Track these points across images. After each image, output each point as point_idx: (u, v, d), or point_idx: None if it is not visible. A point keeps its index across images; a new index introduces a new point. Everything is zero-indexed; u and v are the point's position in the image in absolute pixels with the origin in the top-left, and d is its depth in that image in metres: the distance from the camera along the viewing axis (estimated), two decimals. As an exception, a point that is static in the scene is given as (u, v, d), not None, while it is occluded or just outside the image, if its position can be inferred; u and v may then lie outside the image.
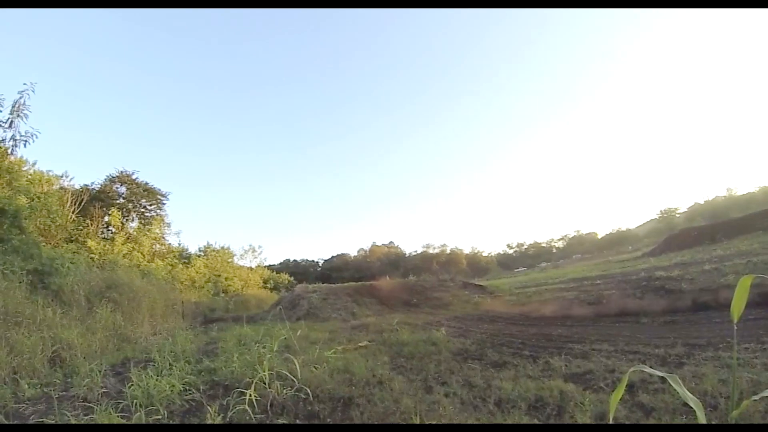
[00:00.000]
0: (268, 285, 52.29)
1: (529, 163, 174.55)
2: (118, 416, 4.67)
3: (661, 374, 2.00)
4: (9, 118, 15.02)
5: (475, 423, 4.41)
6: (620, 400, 4.77)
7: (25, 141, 15.42)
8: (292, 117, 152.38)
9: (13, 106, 14.98)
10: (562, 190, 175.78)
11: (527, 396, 5.27)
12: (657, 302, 12.49)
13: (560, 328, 11.02)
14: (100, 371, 7.07)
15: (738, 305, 2.01)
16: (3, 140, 15.32)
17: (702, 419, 1.69)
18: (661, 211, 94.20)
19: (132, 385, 5.77)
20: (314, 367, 7.11)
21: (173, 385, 5.85)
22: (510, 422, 4.50)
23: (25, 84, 15.01)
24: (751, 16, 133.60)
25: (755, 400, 1.89)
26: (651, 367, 5.98)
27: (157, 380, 5.88)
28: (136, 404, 5.10)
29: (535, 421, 4.58)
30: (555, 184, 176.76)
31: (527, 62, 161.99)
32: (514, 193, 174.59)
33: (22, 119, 15.13)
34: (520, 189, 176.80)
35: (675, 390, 4.74)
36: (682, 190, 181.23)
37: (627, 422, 4.28)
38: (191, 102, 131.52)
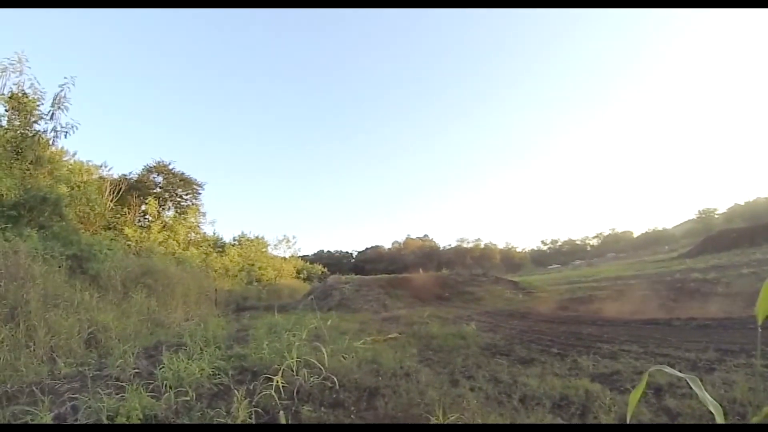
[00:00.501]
0: (302, 275, 52.56)
1: (566, 159, 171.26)
2: (148, 396, 4.75)
3: (681, 375, 1.91)
4: (50, 111, 15.52)
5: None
6: (646, 403, 4.67)
7: (66, 132, 15.96)
8: (330, 108, 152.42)
9: (54, 99, 15.49)
10: (598, 187, 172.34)
11: (552, 394, 5.20)
12: (690, 305, 12.24)
13: (590, 327, 10.83)
14: (133, 353, 7.22)
15: (764, 307, 1.87)
16: (44, 132, 15.80)
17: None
18: (699, 211, 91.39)
19: (163, 367, 5.88)
20: (342, 356, 7.14)
21: (203, 369, 5.96)
22: (533, 420, 4.45)
23: (65, 78, 15.50)
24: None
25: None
26: (680, 371, 5.85)
27: (187, 364, 5.99)
28: (166, 385, 5.19)
29: (559, 420, 4.51)
30: (591, 180, 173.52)
31: (564, 56, 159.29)
32: (550, 189, 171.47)
33: (62, 111, 15.62)
34: (556, 185, 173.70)
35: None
36: (721, 191, 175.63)
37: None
38: (230, 93, 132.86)
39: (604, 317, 12.54)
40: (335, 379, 5.65)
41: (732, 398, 4.56)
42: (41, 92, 15.43)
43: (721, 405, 2.59)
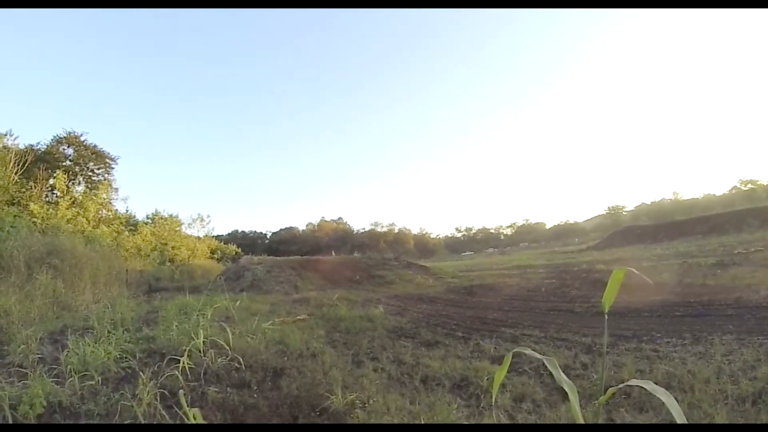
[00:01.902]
0: (216, 255, 51.69)
1: (483, 149, 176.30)
2: (51, 381, 4.80)
3: (539, 357, 2.23)
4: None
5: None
6: (542, 383, 5.23)
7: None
8: (249, 88, 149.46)
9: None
10: (514, 179, 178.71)
11: (453, 375, 5.63)
12: (593, 294, 12.98)
13: (496, 312, 11.44)
14: (36, 338, 7.11)
15: (609, 297, 2.10)
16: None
17: (575, 403, 1.86)
18: (608, 207, 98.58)
19: (68, 351, 5.90)
20: (250, 337, 7.34)
21: (109, 353, 5.99)
22: (432, 400, 4.81)
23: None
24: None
25: (620, 387, 2.08)
26: (576, 354, 6.56)
27: (93, 347, 6.01)
28: (70, 371, 5.23)
29: (458, 400, 4.89)
30: (508, 172, 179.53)
31: (488, 51, 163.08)
32: (467, 178, 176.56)
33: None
34: (473, 174, 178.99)
35: (594, 375, 5.27)
36: (630, 190, 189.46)
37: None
38: (147, 67, 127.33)
39: (511, 303, 13.20)
40: (242, 360, 5.87)
41: (620, 379, 5.08)
42: None
43: (609, 385, 3.07)
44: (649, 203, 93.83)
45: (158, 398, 4.61)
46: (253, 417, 4.49)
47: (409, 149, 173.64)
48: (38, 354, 6.58)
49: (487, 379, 5.29)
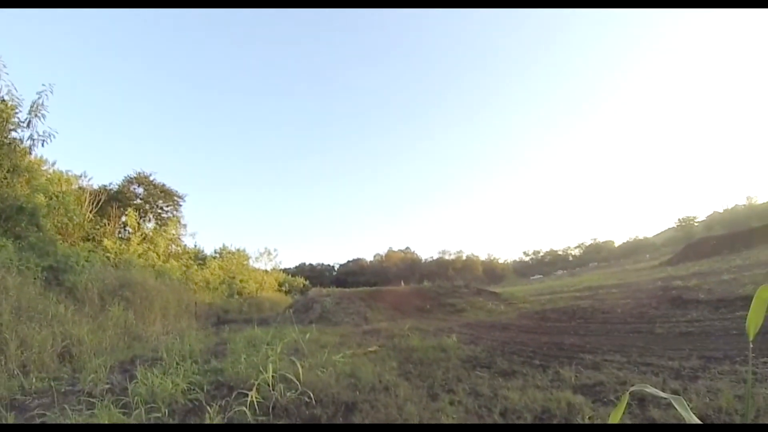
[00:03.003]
0: (283, 288, 52.31)
1: (546, 171, 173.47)
2: (118, 412, 4.64)
3: (665, 395, 1.85)
4: (27, 118, 15.26)
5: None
6: (630, 414, 4.64)
7: (43, 140, 15.69)
8: (312, 121, 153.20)
9: (31, 107, 15.23)
10: (579, 198, 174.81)
11: (533, 407, 5.13)
12: (672, 313, 12.23)
13: (573, 338, 10.77)
14: (106, 367, 7.08)
15: (755, 319, 1.81)
16: (21, 140, 15.54)
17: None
18: (679, 219, 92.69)
19: (137, 382, 5.77)
20: (320, 371, 7.05)
21: (177, 384, 5.83)
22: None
23: (43, 85, 15.26)
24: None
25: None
26: (664, 380, 5.90)
27: (161, 379, 5.87)
28: (137, 401, 5.06)
29: None
30: (572, 191, 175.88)
31: (545, 68, 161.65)
32: (532, 201, 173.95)
33: (39, 119, 15.37)
34: (538, 196, 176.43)
35: (687, 404, 4.63)
36: (701, 199, 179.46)
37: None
38: (212, 104, 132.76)
39: (587, 327, 12.49)
40: (311, 395, 5.57)
41: (718, 407, 4.52)
42: (18, 99, 15.14)
43: (707, 414, 2.57)
44: (721, 211, 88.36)
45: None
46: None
47: (473, 174, 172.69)
48: (107, 383, 6.54)
49: (589, 418, 4.71)
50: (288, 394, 5.61)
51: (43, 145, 15.75)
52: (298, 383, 5.81)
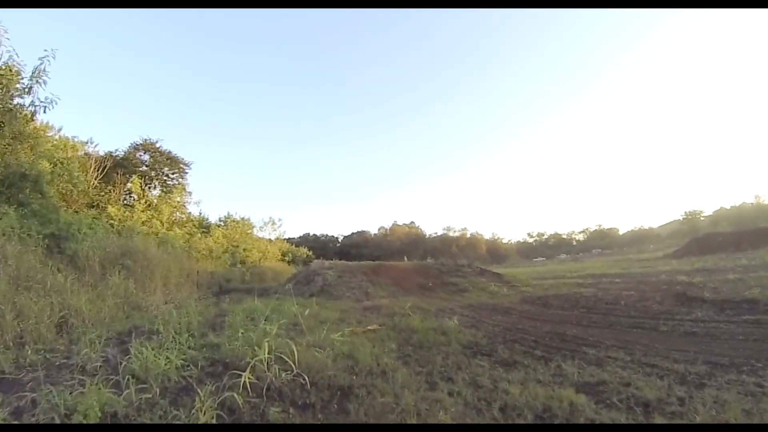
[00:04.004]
0: (287, 258, 52.40)
1: (556, 154, 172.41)
2: (108, 392, 4.53)
3: None
4: (28, 84, 15.03)
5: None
6: (634, 421, 4.52)
7: (45, 107, 15.46)
8: (319, 87, 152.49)
9: (33, 73, 14.98)
10: (586, 183, 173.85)
11: (534, 404, 4.97)
12: (677, 310, 12.05)
13: (576, 328, 10.60)
14: (100, 340, 7.01)
15: None
16: (23, 106, 15.35)
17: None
18: (685, 212, 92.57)
19: (130, 357, 5.69)
20: (317, 350, 6.96)
21: (170, 360, 5.75)
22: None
23: (45, 50, 14.99)
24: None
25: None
26: (669, 385, 5.78)
27: (156, 354, 5.78)
28: (129, 379, 4.96)
29: None
30: (580, 176, 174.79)
31: (558, 49, 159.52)
32: (539, 183, 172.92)
33: (41, 85, 15.14)
34: (545, 178, 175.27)
35: (694, 415, 4.48)
36: (708, 193, 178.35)
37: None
38: (219, 69, 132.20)
39: (589, 318, 12.31)
40: (306, 377, 5.46)
41: (725, 420, 4.39)
42: (20, 65, 14.90)
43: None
44: (728, 208, 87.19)
45: (214, 418, 4.26)
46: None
47: (481, 150, 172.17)
48: (102, 356, 6.45)
49: (580, 416, 4.60)
50: (283, 375, 5.51)
51: (45, 111, 15.56)
52: (293, 365, 5.71)
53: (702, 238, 51.73)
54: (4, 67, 14.53)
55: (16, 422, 4.23)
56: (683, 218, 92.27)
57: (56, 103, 15.52)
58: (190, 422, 4.20)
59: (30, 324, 7.81)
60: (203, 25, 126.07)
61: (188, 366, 5.91)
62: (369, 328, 10.12)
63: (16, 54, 14.72)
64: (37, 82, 15.01)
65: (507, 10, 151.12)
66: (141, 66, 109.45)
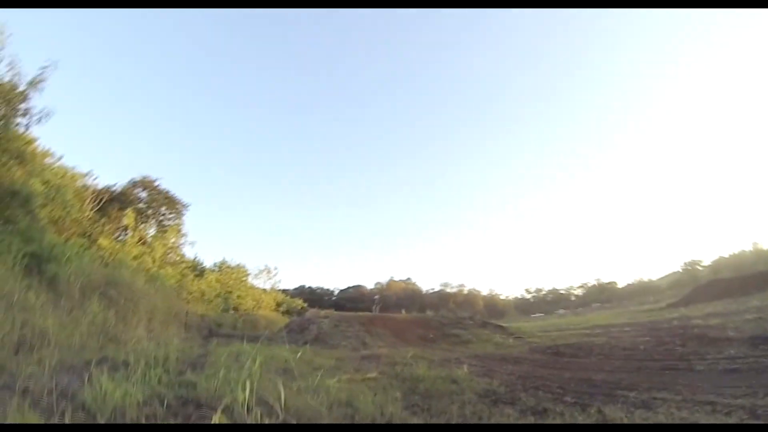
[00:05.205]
0: (281, 308, 51.98)
1: (551, 209, 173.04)
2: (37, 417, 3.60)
3: None
4: (26, 90, 14.64)
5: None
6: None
7: (40, 118, 15.03)
8: (320, 145, 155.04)
9: (31, 81, 14.60)
10: (584, 237, 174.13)
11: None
12: (704, 350, 11.52)
13: (601, 374, 9.80)
14: (59, 366, 6.11)
15: None
16: (18, 120, 14.98)
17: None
18: (684, 263, 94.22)
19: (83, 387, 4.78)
20: (310, 396, 5.95)
21: (130, 395, 4.74)
22: None
23: (47, 61, 14.77)
24: None
25: None
26: (742, 419, 5.01)
27: (115, 386, 4.79)
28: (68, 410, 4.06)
29: None
30: (578, 230, 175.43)
31: (555, 107, 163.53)
32: (536, 238, 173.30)
33: (38, 92, 14.80)
34: (541, 234, 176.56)
35: None
36: (705, 243, 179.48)
37: None
38: (223, 122, 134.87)
39: (611, 363, 11.53)
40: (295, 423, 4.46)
41: None
42: (20, 74, 14.64)
43: None
44: (727, 256, 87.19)
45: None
46: None
47: (477, 209, 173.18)
48: (56, 383, 5.45)
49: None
50: (266, 420, 4.48)
51: (39, 121, 15.13)
52: (279, 410, 4.69)
53: (706, 285, 51.85)
54: (6, 83, 14.25)
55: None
56: (683, 269, 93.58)
57: (51, 115, 15.36)
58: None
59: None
60: (210, 64, 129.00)
61: (153, 403, 4.89)
62: (369, 375, 9.17)
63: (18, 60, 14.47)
64: (34, 88, 14.70)
65: (506, 73, 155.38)
66: (150, 109, 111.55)
